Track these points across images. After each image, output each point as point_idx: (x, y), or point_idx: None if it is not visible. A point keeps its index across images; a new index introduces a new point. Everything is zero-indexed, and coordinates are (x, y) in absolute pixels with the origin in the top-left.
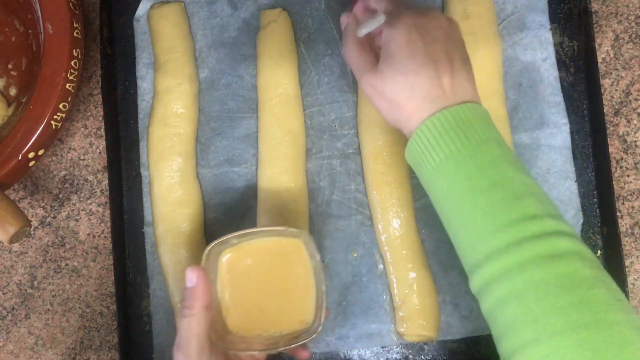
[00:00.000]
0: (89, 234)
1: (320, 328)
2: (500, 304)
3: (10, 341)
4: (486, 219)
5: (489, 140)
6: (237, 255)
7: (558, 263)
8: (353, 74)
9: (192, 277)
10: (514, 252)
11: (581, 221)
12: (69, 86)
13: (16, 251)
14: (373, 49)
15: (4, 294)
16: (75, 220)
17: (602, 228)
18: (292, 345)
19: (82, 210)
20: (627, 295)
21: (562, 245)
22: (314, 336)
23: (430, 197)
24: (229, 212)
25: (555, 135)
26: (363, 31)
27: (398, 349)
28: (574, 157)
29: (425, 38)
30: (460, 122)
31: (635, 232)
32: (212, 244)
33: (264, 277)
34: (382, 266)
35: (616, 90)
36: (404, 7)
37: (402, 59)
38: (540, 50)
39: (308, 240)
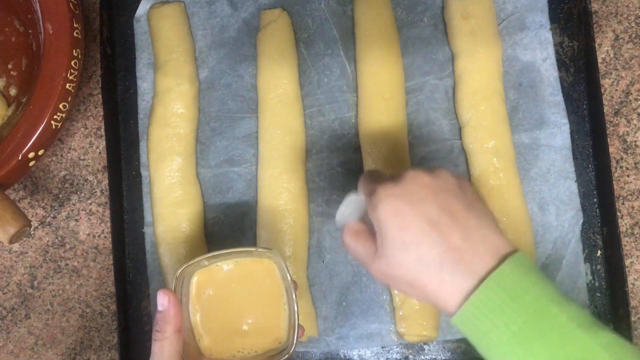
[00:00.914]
0: (89, 234)
1: (294, 347)
2: None
3: (10, 341)
4: None
5: (549, 304)
6: (208, 277)
7: None
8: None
9: (163, 300)
10: None
11: (581, 221)
12: (69, 86)
13: (16, 251)
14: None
15: (4, 294)
16: (75, 220)
17: (602, 228)
18: None
19: (82, 210)
20: (627, 296)
21: None
22: (287, 355)
23: None
24: (229, 212)
25: (555, 135)
26: (338, 218)
27: (398, 349)
28: (574, 157)
29: (410, 202)
30: (508, 290)
31: (635, 232)
32: (183, 267)
33: (235, 298)
34: None
35: (616, 90)
36: (378, 180)
37: (394, 234)
38: (540, 50)
39: (279, 261)
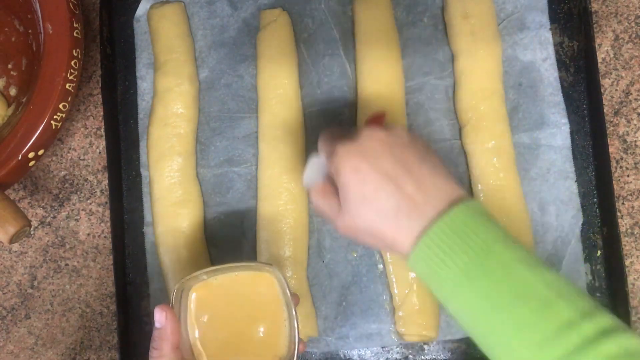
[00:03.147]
0: (89, 234)
1: None
2: None
3: (10, 341)
4: (521, 337)
5: (494, 243)
6: (207, 292)
7: None
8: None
9: (160, 317)
10: None
11: (581, 221)
12: (69, 86)
13: (16, 251)
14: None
15: (4, 294)
16: (75, 220)
17: (602, 228)
18: None
19: (82, 210)
20: (627, 296)
21: (611, 349)
22: None
23: (450, 311)
24: (229, 212)
25: (555, 135)
26: (305, 181)
27: (398, 349)
28: (574, 157)
29: (367, 159)
30: (457, 231)
31: (635, 232)
32: (181, 281)
33: (235, 313)
34: (382, 266)
35: (616, 90)
36: (338, 140)
37: (355, 189)
38: (540, 50)
39: (279, 275)
